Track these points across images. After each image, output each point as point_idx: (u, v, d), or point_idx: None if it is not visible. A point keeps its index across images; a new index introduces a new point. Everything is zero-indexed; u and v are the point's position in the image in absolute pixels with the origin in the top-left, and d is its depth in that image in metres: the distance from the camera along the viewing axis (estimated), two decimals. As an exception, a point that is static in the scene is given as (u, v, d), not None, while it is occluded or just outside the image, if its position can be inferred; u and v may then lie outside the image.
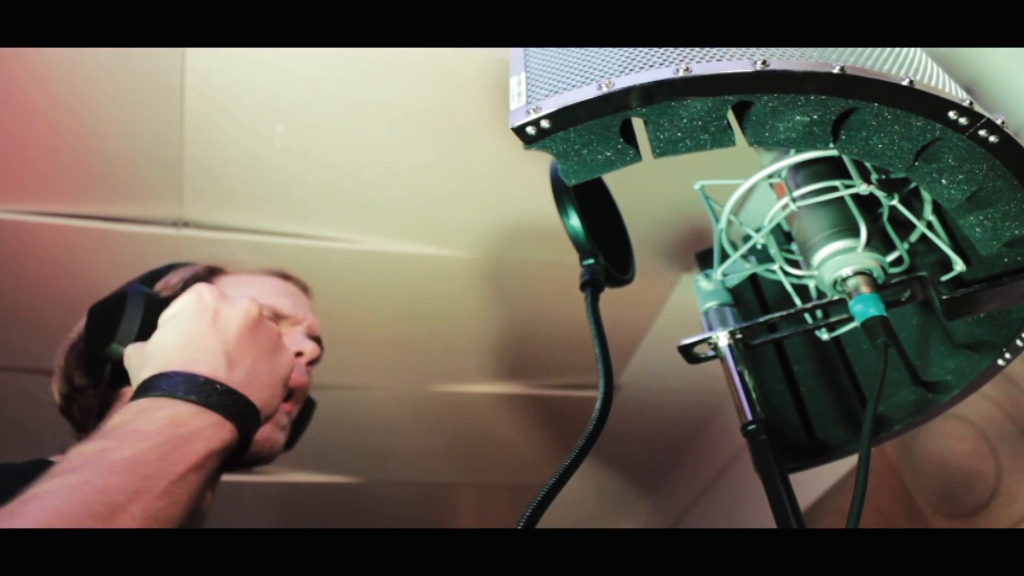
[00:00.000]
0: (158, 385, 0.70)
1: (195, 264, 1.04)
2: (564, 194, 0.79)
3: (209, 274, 1.03)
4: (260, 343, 0.78)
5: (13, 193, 1.46)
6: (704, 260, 0.93)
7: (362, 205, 1.56)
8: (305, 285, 1.11)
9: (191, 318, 0.77)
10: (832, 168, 0.72)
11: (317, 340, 1.05)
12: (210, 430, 0.68)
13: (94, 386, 0.94)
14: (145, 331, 0.90)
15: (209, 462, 0.67)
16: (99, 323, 0.93)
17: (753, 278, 0.90)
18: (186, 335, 0.75)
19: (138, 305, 0.92)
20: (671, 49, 0.57)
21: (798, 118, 0.58)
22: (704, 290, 0.81)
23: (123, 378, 0.92)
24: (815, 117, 0.57)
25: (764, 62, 0.54)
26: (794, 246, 0.80)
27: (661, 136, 0.59)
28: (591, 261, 0.79)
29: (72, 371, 0.97)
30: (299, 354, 0.99)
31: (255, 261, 1.08)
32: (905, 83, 0.55)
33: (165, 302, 0.95)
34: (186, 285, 0.99)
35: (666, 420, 2.25)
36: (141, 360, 0.76)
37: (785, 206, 0.72)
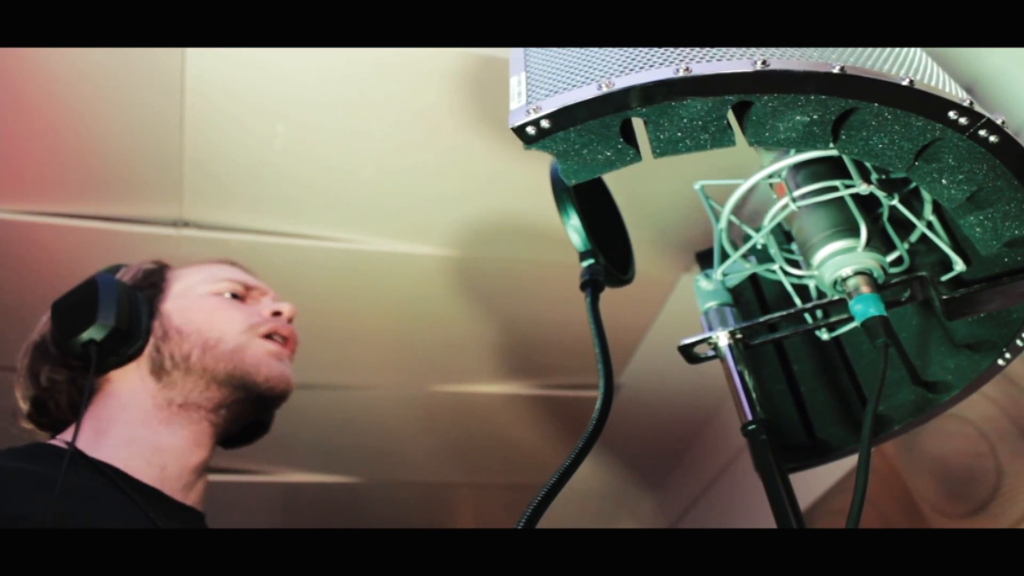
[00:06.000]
0: None
1: (142, 262, 1.06)
2: (564, 194, 0.79)
3: (160, 268, 1.05)
4: None
5: (13, 193, 1.46)
6: (704, 260, 0.93)
7: (362, 205, 1.56)
8: (253, 272, 1.14)
9: None
10: (832, 168, 0.72)
11: None
12: None
13: (71, 378, 0.94)
14: (124, 308, 0.92)
15: None
16: (71, 311, 0.93)
17: (753, 278, 0.90)
18: None
19: (111, 287, 0.94)
20: (671, 49, 0.57)
21: (798, 118, 0.58)
22: (704, 290, 0.81)
23: (109, 360, 0.93)
24: (815, 117, 0.57)
25: (764, 62, 0.54)
26: (794, 246, 0.80)
27: (661, 136, 0.59)
28: (591, 261, 0.79)
29: (38, 369, 0.96)
30: (277, 313, 1.03)
31: (202, 253, 1.13)
32: (905, 83, 0.55)
33: (132, 288, 0.97)
34: (146, 276, 1.02)
35: (666, 420, 2.25)
36: None
37: (785, 206, 0.72)
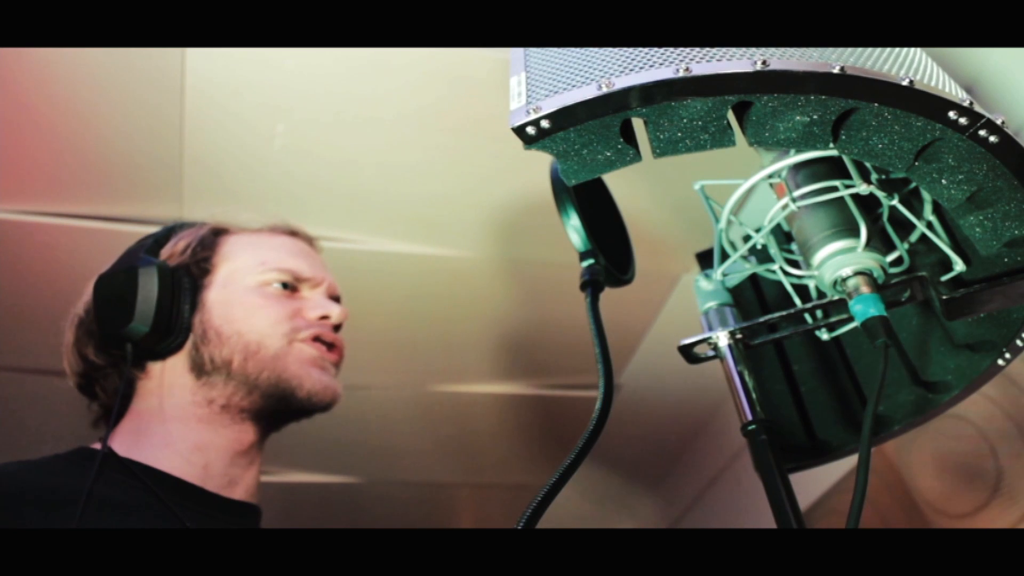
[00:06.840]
0: None
1: (199, 225, 1.01)
2: (564, 194, 0.79)
3: (214, 236, 1.00)
4: None
5: (13, 193, 1.46)
6: (704, 260, 0.93)
7: (362, 205, 1.56)
8: (311, 238, 1.07)
9: None
10: (832, 168, 0.72)
11: (337, 300, 1.03)
12: None
13: (114, 366, 0.92)
14: (163, 306, 0.89)
15: None
16: (111, 302, 0.89)
17: (753, 278, 0.90)
18: None
19: (151, 279, 0.89)
20: (671, 49, 0.57)
21: (798, 118, 0.58)
22: (704, 290, 0.81)
23: (146, 355, 0.91)
24: (815, 117, 0.57)
25: (764, 62, 0.54)
26: (794, 246, 0.80)
27: (661, 136, 0.59)
28: (591, 261, 0.79)
29: (84, 347, 0.94)
30: (325, 317, 0.97)
31: (258, 219, 1.05)
32: (905, 83, 0.55)
33: (177, 271, 0.93)
34: (195, 252, 0.96)
35: (666, 420, 2.25)
36: None
37: (785, 206, 0.72)
